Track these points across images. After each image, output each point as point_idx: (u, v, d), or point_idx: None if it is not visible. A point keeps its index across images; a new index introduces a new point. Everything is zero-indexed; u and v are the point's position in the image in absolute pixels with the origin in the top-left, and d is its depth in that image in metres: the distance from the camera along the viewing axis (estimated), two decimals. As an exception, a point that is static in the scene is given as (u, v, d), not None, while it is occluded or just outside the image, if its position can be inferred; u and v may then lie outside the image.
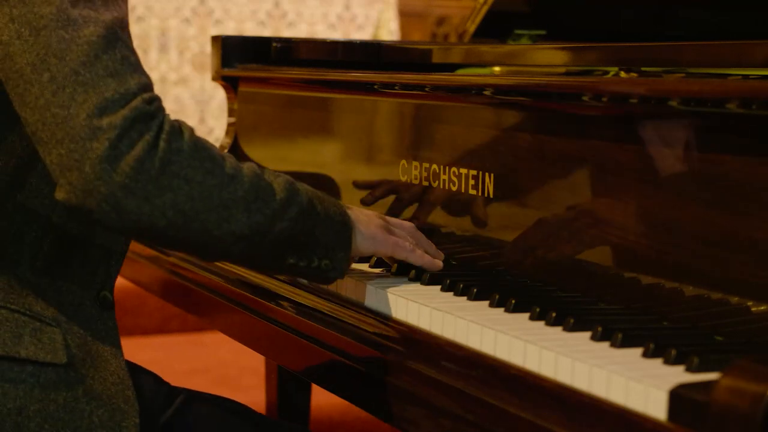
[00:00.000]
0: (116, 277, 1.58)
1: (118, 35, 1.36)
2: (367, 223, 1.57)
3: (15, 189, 1.48)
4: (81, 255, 1.53)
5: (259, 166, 1.47)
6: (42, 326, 1.48)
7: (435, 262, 1.63)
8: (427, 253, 1.64)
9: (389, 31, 5.02)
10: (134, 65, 1.36)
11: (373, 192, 1.95)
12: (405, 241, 1.61)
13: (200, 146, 1.38)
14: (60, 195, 1.35)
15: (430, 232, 1.82)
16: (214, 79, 2.42)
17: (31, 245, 1.49)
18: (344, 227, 1.51)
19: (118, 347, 1.54)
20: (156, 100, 1.37)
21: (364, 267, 1.71)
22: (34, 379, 1.45)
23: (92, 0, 1.36)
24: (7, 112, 1.40)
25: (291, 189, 1.45)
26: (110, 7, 1.38)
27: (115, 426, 1.49)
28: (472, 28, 2.49)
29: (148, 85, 1.37)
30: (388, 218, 1.65)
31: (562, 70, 1.84)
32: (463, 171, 1.75)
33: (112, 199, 1.32)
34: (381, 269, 1.70)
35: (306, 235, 1.46)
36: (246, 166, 1.43)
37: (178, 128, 1.37)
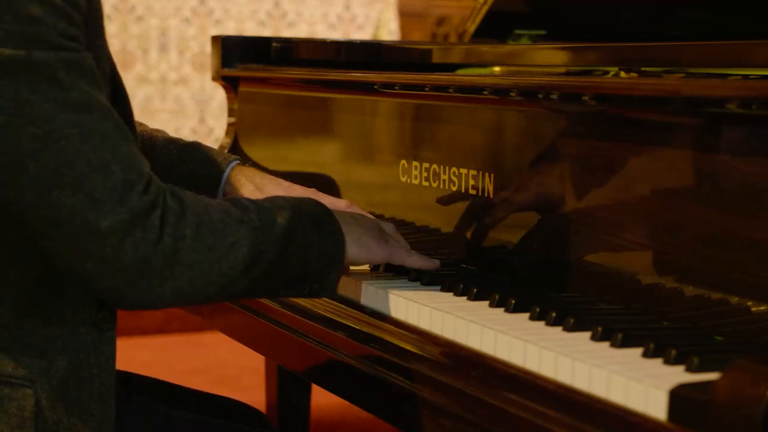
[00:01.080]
0: None
1: (89, 107, 1.23)
2: (360, 232, 1.52)
3: None
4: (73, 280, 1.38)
5: (256, 205, 1.40)
6: (11, 392, 1.33)
7: (431, 262, 1.62)
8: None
9: (389, 31, 5.02)
10: (112, 141, 1.24)
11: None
12: (399, 245, 1.60)
13: (202, 222, 1.31)
14: (58, 265, 1.30)
15: (429, 232, 1.82)
16: (214, 79, 2.42)
17: (15, 283, 1.34)
18: (337, 249, 1.46)
19: (111, 380, 1.41)
20: (151, 185, 1.27)
21: (365, 268, 1.71)
22: None
23: (53, 74, 1.21)
24: None
25: (289, 228, 1.39)
26: (72, 71, 1.23)
27: None
28: (472, 28, 2.49)
29: (131, 162, 1.26)
30: (384, 225, 1.62)
31: (562, 70, 1.84)
32: (463, 171, 1.75)
33: (116, 291, 1.28)
34: (381, 270, 1.70)
35: (301, 271, 1.43)
36: (246, 218, 1.36)
37: (179, 210, 1.29)
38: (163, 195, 1.29)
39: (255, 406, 1.83)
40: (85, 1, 1.28)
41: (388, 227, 1.63)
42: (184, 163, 1.79)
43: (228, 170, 1.78)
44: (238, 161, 1.80)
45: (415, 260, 1.61)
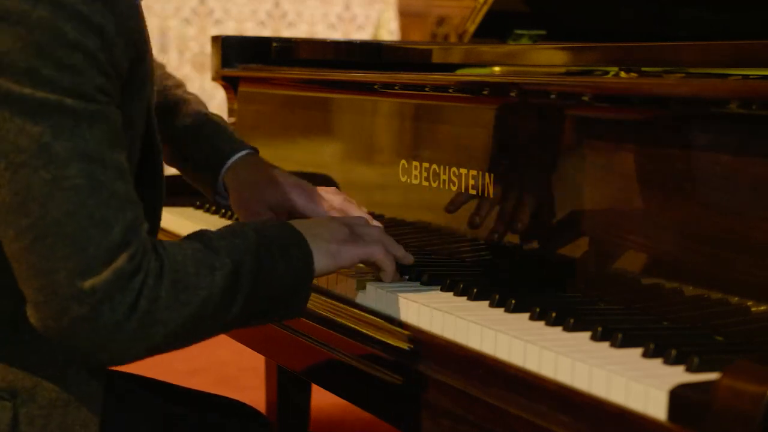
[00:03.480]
0: None
1: (105, 163, 1.22)
2: (327, 241, 1.46)
3: None
4: None
5: (226, 243, 1.36)
6: None
7: (397, 274, 1.56)
8: (395, 254, 1.55)
9: (389, 31, 5.03)
10: (120, 201, 1.24)
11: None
12: (373, 241, 1.52)
13: (177, 280, 1.28)
14: (33, 321, 1.25)
15: (430, 232, 1.82)
16: (214, 79, 2.42)
17: (7, 309, 1.32)
18: (306, 272, 1.43)
19: (96, 410, 1.38)
20: (138, 253, 1.24)
21: (365, 267, 1.71)
22: None
23: (78, 124, 1.21)
24: None
25: (256, 266, 1.35)
26: (96, 122, 1.23)
27: None
28: (472, 28, 2.50)
29: (132, 227, 1.24)
30: (354, 222, 1.55)
31: (562, 70, 1.84)
32: (463, 171, 1.75)
33: (88, 350, 1.25)
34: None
35: (269, 305, 1.40)
36: (219, 264, 1.32)
37: (159, 272, 1.26)
38: (148, 259, 1.26)
39: (255, 406, 1.83)
40: (126, 66, 1.28)
41: (358, 221, 1.56)
42: (196, 145, 1.85)
43: (229, 163, 1.82)
44: (245, 153, 1.83)
45: (387, 264, 1.54)
